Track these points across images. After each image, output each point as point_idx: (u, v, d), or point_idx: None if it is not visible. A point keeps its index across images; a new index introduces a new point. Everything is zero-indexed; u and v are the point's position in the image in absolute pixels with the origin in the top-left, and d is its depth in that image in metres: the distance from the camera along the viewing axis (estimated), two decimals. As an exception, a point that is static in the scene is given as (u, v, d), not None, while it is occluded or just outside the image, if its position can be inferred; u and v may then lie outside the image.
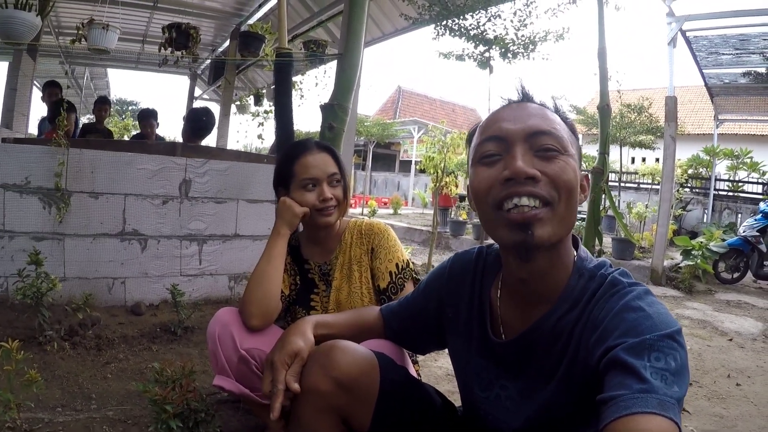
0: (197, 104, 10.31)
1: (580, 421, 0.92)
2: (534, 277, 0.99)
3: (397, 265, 1.76)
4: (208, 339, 1.62)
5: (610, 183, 11.38)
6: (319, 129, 2.67)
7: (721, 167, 12.98)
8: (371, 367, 1.10)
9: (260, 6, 6.38)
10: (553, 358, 0.97)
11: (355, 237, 1.82)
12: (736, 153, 12.18)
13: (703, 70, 8.68)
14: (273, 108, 2.89)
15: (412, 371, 1.51)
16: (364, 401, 1.09)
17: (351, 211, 12.82)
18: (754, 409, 2.74)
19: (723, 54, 7.93)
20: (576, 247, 1.04)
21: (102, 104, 6.15)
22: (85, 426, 1.83)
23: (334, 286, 1.79)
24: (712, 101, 10.79)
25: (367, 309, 1.40)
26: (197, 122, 4.18)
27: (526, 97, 1.03)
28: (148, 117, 5.90)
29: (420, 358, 1.87)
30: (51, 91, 5.45)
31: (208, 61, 9.07)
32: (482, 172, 0.97)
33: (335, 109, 2.48)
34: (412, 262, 1.82)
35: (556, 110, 1.03)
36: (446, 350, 1.28)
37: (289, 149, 1.85)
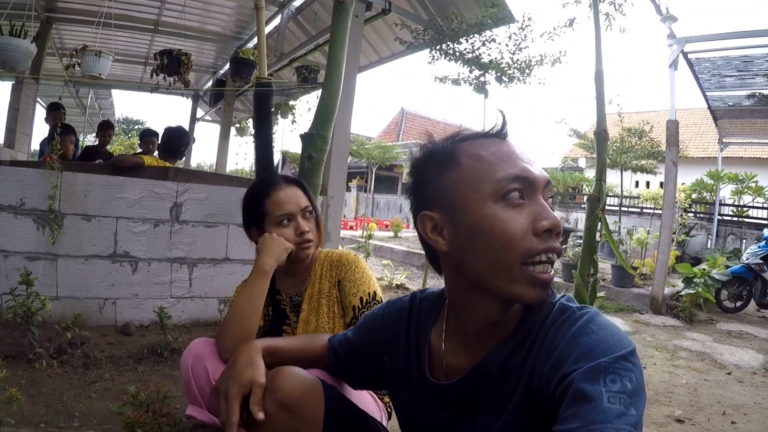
0: (199, 126, 10.47)
1: None
2: (503, 319, 0.97)
3: (361, 299, 1.69)
4: (182, 369, 1.60)
5: (611, 207, 11.18)
6: None
7: (726, 191, 12.76)
8: (314, 390, 1.12)
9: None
10: (506, 390, 0.94)
11: (326, 269, 1.77)
12: (741, 177, 11.88)
13: (706, 93, 8.48)
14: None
15: (367, 404, 1.50)
16: (311, 423, 1.10)
17: (351, 233, 12.71)
18: (746, 449, 2.58)
19: (726, 76, 7.73)
20: None
21: (105, 129, 6.14)
22: (64, 443, 1.86)
23: (301, 318, 1.75)
24: (715, 124, 10.59)
25: (319, 336, 1.36)
26: (170, 143, 4.15)
27: (506, 132, 0.98)
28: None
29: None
30: (55, 114, 5.46)
31: (210, 83, 9.20)
32: (512, 216, 0.88)
33: (314, 139, 2.46)
34: (380, 296, 1.74)
35: None
36: None
37: (257, 187, 1.82)
